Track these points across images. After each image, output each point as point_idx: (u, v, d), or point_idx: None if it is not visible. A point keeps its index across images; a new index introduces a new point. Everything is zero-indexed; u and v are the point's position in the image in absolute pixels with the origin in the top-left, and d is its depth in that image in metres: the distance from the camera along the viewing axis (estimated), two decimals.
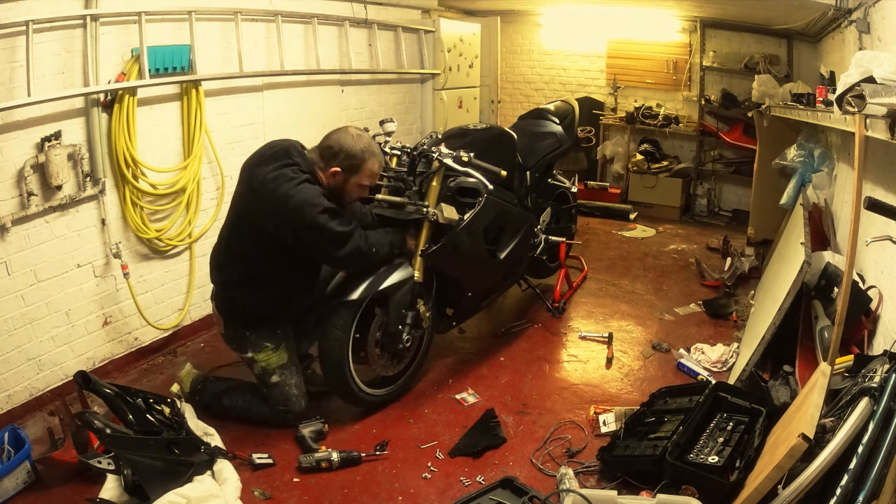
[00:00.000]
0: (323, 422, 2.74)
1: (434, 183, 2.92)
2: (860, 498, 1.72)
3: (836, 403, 2.09)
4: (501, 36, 6.47)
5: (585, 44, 6.87)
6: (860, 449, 1.79)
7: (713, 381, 2.92)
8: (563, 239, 4.14)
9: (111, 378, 3.11)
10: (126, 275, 3.16)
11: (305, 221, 2.45)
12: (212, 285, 2.82)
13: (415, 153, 2.94)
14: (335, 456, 2.52)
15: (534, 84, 7.33)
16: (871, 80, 2.10)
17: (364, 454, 2.58)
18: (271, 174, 2.49)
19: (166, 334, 3.52)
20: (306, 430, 2.66)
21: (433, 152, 2.88)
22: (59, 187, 2.84)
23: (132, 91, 3.07)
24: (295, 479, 2.47)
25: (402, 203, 2.93)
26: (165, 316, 3.51)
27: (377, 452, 2.61)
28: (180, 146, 3.45)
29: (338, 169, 2.58)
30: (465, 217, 2.93)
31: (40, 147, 2.75)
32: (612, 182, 6.83)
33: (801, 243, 3.17)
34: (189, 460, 2.29)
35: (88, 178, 2.98)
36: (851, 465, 1.78)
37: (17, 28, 2.58)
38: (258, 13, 3.76)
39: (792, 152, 4.61)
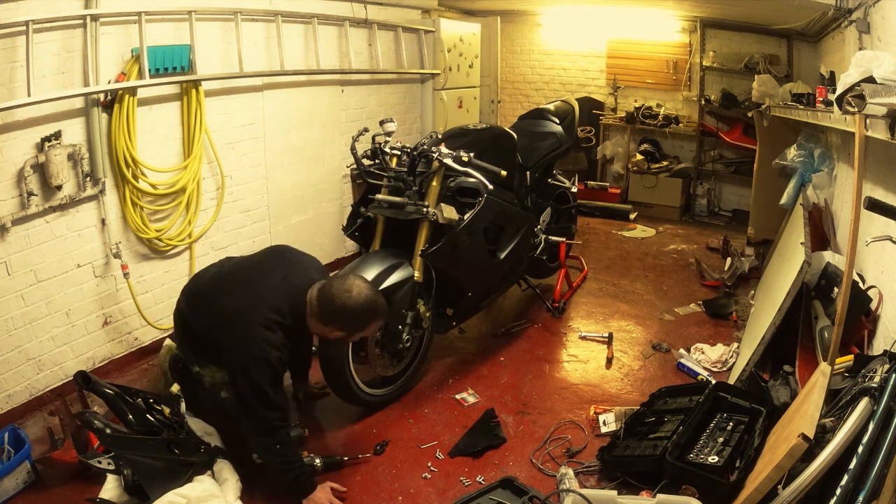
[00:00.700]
0: (302, 427, 2.72)
1: (434, 183, 2.92)
2: (860, 498, 1.72)
3: (836, 403, 2.09)
4: (501, 36, 6.47)
5: (585, 44, 6.87)
6: (860, 449, 1.79)
7: (713, 381, 2.92)
8: (563, 239, 4.14)
9: (111, 378, 3.11)
10: (126, 275, 3.16)
11: (250, 372, 2.23)
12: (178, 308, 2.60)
13: (415, 153, 2.94)
14: (318, 461, 2.49)
15: (534, 84, 7.33)
16: (871, 80, 2.10)
17: (346, 458, 2.56)
18: (252, 305, 2.30)
19: (166, 334, 3.52)
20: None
21: (433, 152, 2.88)
22: (59, 187, 2.84)
23: (132, 91, 3.07)
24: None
25: (402, 203, 2.93)
26: (165, 316, 3.51)
27: (360, 456, 2.59)
28: (180, 146, 3.45)
29: (339, 333, 2.40)
30: (465, 217, 2.93)
31: (40, 147, 2.75)
32: (612, 182, 6.83)
33: (801, 243, 3.17)
34: (189, 460, 2.29)
35: (88, 178, 2.98)
36: (851, 465, 1.78)
37: (17, 28, 2.58)
38: (258, 13, 3.76)
39: (792, 152, 4.61)
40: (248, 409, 2.27)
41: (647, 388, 3.08)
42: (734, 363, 3.30)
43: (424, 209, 2.85)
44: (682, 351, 3.48)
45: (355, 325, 2.37)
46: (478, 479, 2.49)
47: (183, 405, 2.64)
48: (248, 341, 2.25)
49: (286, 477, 2.30)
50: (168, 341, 2.96)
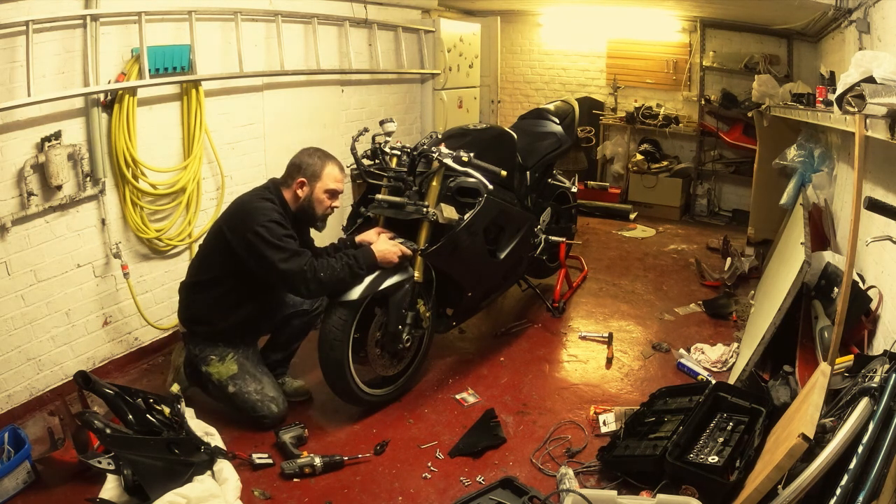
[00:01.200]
0: (303, 427, 2.72)
1: (434, 183, 2.92)
2: (860, 498, 1.72)
3: (836, 403, 2.09)
4: (501, 36, 6.47)
5: (585, 44, 6.87)
6: (860, 449, 1.79)
7: (713, 381, 2.92)
8: (563, 239, 4.14)
9: (111, 378, 3.11)
10: (126, 275, 3.16)
11: (253, 226, 2.57)
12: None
13: (415, 153, 2.94)
14: (318, 461, 2.49)
15: (534, 84, 7.33)
16: (871, 80, 2.09)
17: (346, 458, 2.56)
18: (245, 197, 2.77)
19: (166, 334, 3.52)
20: (286, 436, 2.64)
21: (433, 152, 2.88)
22: (59, 187, 2.84)
23: (132, 91, 3.07)
24: (295, 479, 2.47)
25: (402, 203, 2.93)
26: (165, 316, 3.51)
27: (360, 456, 2.59)
28: (180, 146, 3.45)
29: (302, 179, 2.76)
30: (465, 217, 2.93)
31: (40, 147, 2.75)
32: (612, 182, 6.83)
33: (801, 243, 3.17)
34: (189, 460, 2.28)
35: (88, 178, 2.98)
36: (851, 465, 1.78)
37: (17, 28, 2.58)
38: (258, 13, 3.76)
39: (792, 152, 4.61)
40: (277, 265, 2.55)
41: (647, 388, 3.08)
42: (734, 363, 3.30)
43: (424, 209, 2.84)
44: (682, 351, 3.48)
45: (314, 167, 2.76)
46: (478, 479, 2.49)
47: (183, 405, 2.64)
48: (248, 215, 2.61)
49: (355, 271, 2.67)
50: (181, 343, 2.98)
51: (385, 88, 5.02)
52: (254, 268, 2.62)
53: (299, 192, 2.76)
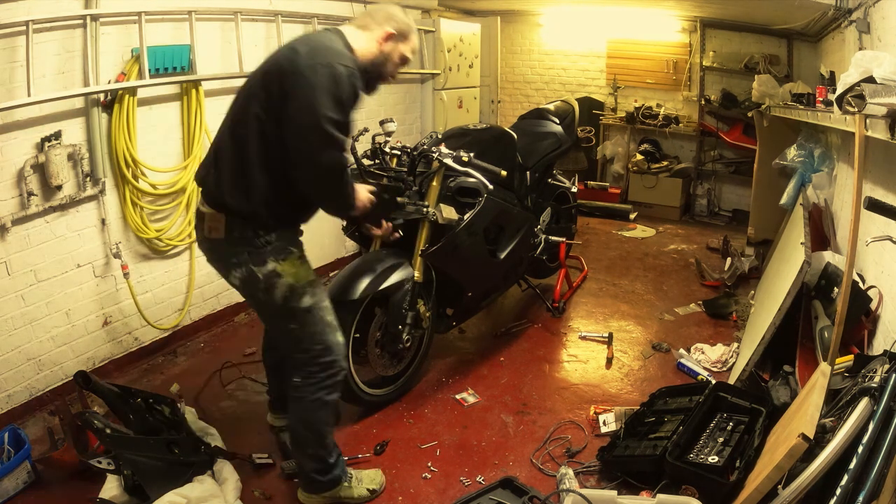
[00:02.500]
0: None
1: (434, 183, 2.92)
2: (860, 498, 1.72)
3: (836, 403, 2.09)
4: (501, 36, 6.47)
5: (585, 44, 6.87)
6: (860, 449, 1.79)
7: (713, 381, 2.92)
8: (563, 239, 4.14)
9: (111, 378, 3.10)
10: (126, 275, 3.16)
11: (314, 88, 1.94)
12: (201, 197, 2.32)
13: (415, 153, 2.94)
14: None
15: (534, 84, 7.33)
16: (871, 80, 2.10)
17: (346, 458, 2.54)
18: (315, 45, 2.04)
19: (166, 334, 3.52)
20: (287, 436, 2.60)
21: (433, 152, 2.88)
22: (59, 187, 2.84)
23: (132, 91, 3.07)
24: (295, 479, 2.47)
25: (402, 203, 2.93)
26: (165, 316, 3.51)
27: (360, 456, 2.59)
28: (180, 146, 3.45)
29: (392, 31, 2.17)
30: (465, 217, 2.93)
31: (40, 147, 2.75)
32: (612, 182, 6.83)
33: (801, 243, 3.17)
34: (189, 460, 2.29)
35: (88, 178, 2.98)
36: (851, 465, 1.78)
37: (17, 28, 2.58)
38: (258, 13, 3.77)
39: (792, 152, 4.61)
40: (317, 138, 1.94)
41: (647, 388, 3.08)
42: (734, 363, 3.30)
43: (424, 209, 2.85)
44: (682, 351, 3.48)
45: (406, 27, 2.20)
46: (478, 479, 2.49)
47: (183, 405, 2.64)
48: (311, 65, 1.94)
49: (346, 190, 2.14)
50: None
51: (385, 88, 5.00)
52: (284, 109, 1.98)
53: (382, 44, 2.17)
